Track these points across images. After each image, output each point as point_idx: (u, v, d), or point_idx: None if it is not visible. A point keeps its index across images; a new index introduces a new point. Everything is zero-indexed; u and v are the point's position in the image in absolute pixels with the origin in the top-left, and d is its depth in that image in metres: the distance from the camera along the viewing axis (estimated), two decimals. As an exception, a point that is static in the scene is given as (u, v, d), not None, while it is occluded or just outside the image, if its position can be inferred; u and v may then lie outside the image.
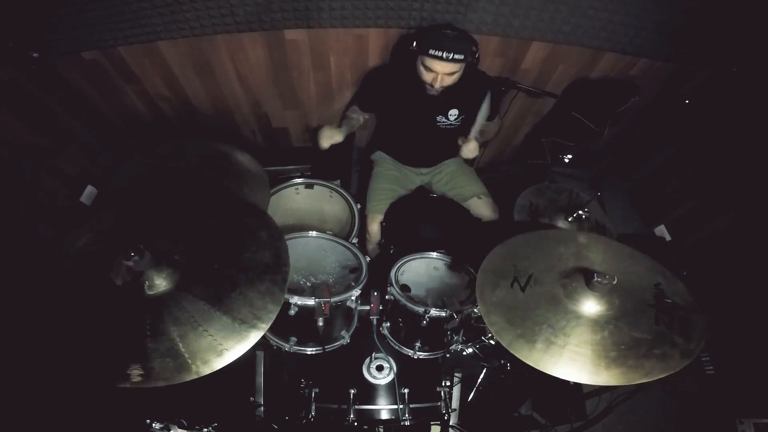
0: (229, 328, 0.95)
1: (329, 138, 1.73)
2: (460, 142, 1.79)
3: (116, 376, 0.87)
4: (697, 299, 1.12)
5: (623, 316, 1.06)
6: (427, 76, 1.60)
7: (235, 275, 1.03)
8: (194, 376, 0.89)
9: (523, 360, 0.99)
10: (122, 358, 0.90)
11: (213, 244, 1.11)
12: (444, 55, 1.50)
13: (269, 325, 0.97)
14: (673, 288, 1.14)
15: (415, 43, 1.58)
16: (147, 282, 0.98)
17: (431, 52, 1.51)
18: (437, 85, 1.59)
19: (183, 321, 0.95)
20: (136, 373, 0.87)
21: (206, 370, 0.90)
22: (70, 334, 0.95)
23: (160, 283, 0.99)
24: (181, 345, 0.92)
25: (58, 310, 0.99)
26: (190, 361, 0.90)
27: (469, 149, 1.75)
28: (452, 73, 1.57)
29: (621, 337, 1.02)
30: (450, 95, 1.71)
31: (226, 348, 0.92)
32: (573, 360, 0.99)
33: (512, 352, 1.00)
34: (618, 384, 0.97)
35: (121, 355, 0.91)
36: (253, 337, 0.94)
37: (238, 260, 1.07)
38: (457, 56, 1.51)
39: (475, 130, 1.75)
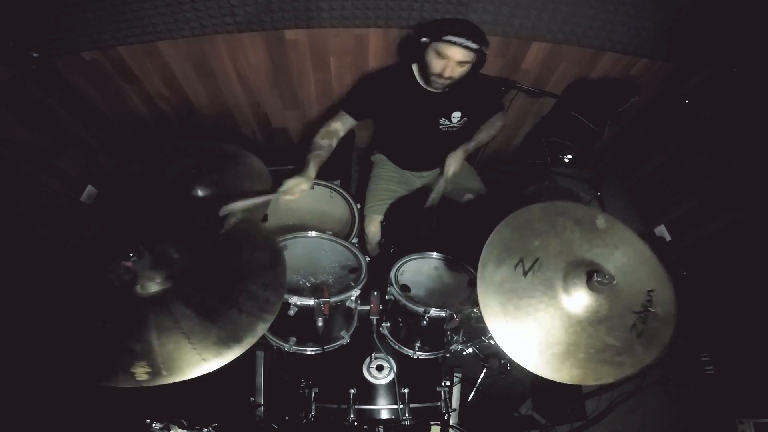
0: (237, 321, 0.97)
1: (293, 191, 1.47)
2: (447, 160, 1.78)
3: (126, 375, 0.88)
4: (678, 314, 1.10)
5: (606, 320, 1.05)
6: (438, 65, 1.54)
7: (236, 270, 1.06)
8: (207, 370, 0.90)
9: (501, 347, 1.00)
10: (132, 357, 0.90)
11: (208, 244, 1.12)
12: (459, 40, 1.46)
13: (274, 316, 1.00)
14: (662, 297, 1.11)
15: (427, 32, 1.54)
16: (141, 283, 0.98)
17: (448, 37, 1.47)
18: (447, 74, 1.54)
19: (188, 317, 0.96)
20: (141, 371, 0.88)
21: (219, 363, 0.91)
22: (76, 335, 0.95)
23: (155, 285, 0.99)
24: (189, 339, 0.93)
25: (61, 312, 0.99)
26: (199, 355, 0.91)
27: (451, 170, 1.77)
28: (463, 63, 1.53)
29: (596, 340, 1.02)
30: (453, 96, 1.70)
31: (236, 341, 0.94)
32: (542, 354, 0.99)
33: (495, 337, 1.01)
34: (569, 383, 0.98)
35: (130, 353, 0.91)
36: (261, 329, 0.97)
37: (237, 255, 1.09)
38: (473, 44, 1.48)
39: (473, 142, 1.82)
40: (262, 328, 0.98)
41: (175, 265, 1.02)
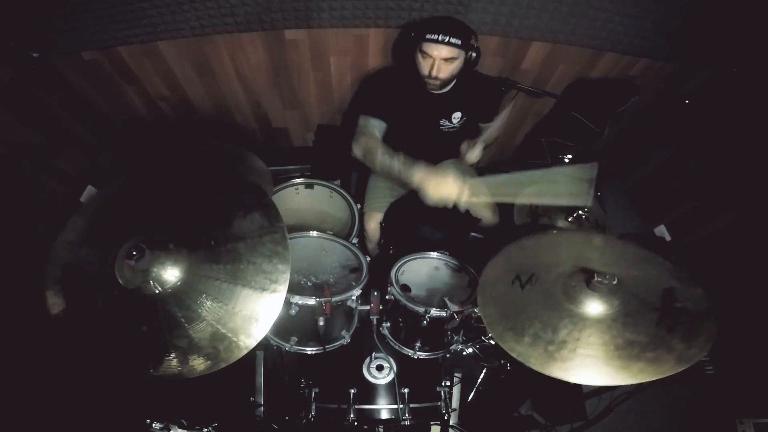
0: (252, 298, 0.98)
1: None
2: (464, 146, 1.77)
3: (181, 370, 0.90)
4: (713, 306, 1.08)
5: (619, 317, 1.05)
6: (425, 65, 1.54)
7: (236, 246, 1.04)
8: (245, 351, 0.93)
9: (508, 352, 1.00)
10: (170, 354, 0.92)
11: (200, 223, 1.10)
12: (440, 37, 1.46)
13: (287, 285, 1.00)
14: (688, 293, 1.10)
15: (413, 33, 1.54)
16: (154, 280, 0.97)
17: (428, 36, 1.48)
18: (434, 73, 1.53)
19: (210, 305, 0.97)
20: (199, 362, 0.91)
21: (252, 342, 0.94)
22: (102, 342, 0.97)
23: (169, 277, 0.98)
24: (220, 327, 0.95)
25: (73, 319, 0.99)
26: (236, 339, 0.93)
27: (474, 154, 1.73)
28: (450, 60, 1.51)
29: (613, 337, 1.01)
30: (453, 97, 1.69)
31: (258, 317, 0.96)
32: (552, 356, 0.99)
33: (500, 343, 1.02)
34: (615, 384, 0.96)
35: (167, 351, 0.93)
36: (278, 301, 0.98)
37: (231, 231, 1.06)
38: (453, 39, 1.47)
39: (485, 135, 1.75)
40: (278, 300, 0.98)
41: (175, 253, 1.01)
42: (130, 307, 0.98)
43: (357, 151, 1.67)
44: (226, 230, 1.06)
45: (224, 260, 1.02)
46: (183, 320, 0.95)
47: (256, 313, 0.96)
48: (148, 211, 1.14)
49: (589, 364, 0.97)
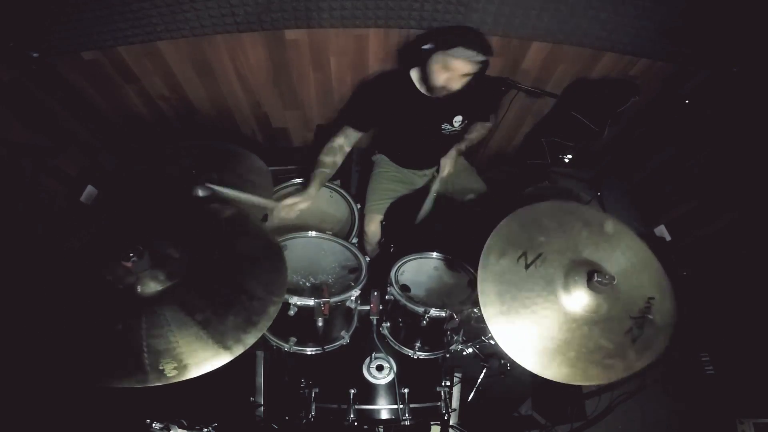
0: (249, 306, 0.99)
1: (292, 209, 1.53)
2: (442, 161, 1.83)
3: (156, 374, 0.88)
4: (676, 325, 1.09)
5: (602, 321, 1.05)
6: (441, 77, 1.50)
7: (236, 259, 1.07)
8: (234, 356, 0.92)
9: (494, 336, 1.00)
10: (157, 355, 0.90)
11: (205, 238, 1.13)
12: (470, 54, 1.42)
13: (282, 298, 1.03)
14: (662, 306, 1.11)
15: (431, 44, 1.49)
16: (142, 283, 0.97)
17: (457, 50, 1.42)
18: (450, 86, 1.51)
19: (201, 309, 0.97)
20: (170, 367, 0.88)
21: (241, 348, 0.93)
22: (90, 339, 0.94)
23: (157, 284, 0.99)
24: (205, 332, 0.94)
25: (65, 311, 0.98)
26: (219, 344, 0.92)
27: (446, 170, 1.81)
28: (468, 75, 1.50)
29: (589, 340, 1.02)
30: (454, 101, 1.69)
31: (252, 325, 0.96)
32: (533, 347, 1.00)
33: (489, 325, 1.01)
34: (556, 380, 0.98)
35: (154, 352, 0.91)
36: (273, 311, 1.00)
37: (233, 248, 1.11)
38: (481, 57, 1.45)
39: (464, 143, 1.83)
40: (274, 310, 0.99)
41: (176, 262, 1.02)
42: (113, 305, 0.98)
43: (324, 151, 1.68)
44: (229, 247, 1.10)
45: (224, 269, 1.04)
46: (168, 320, 0.94)
47: (248, 319, 0.96)
48: (161, 218, 1.18)
49: (559, 363, 0.99)
